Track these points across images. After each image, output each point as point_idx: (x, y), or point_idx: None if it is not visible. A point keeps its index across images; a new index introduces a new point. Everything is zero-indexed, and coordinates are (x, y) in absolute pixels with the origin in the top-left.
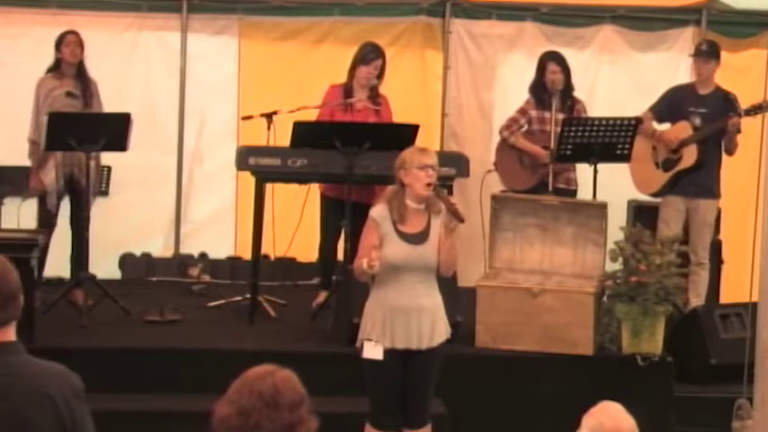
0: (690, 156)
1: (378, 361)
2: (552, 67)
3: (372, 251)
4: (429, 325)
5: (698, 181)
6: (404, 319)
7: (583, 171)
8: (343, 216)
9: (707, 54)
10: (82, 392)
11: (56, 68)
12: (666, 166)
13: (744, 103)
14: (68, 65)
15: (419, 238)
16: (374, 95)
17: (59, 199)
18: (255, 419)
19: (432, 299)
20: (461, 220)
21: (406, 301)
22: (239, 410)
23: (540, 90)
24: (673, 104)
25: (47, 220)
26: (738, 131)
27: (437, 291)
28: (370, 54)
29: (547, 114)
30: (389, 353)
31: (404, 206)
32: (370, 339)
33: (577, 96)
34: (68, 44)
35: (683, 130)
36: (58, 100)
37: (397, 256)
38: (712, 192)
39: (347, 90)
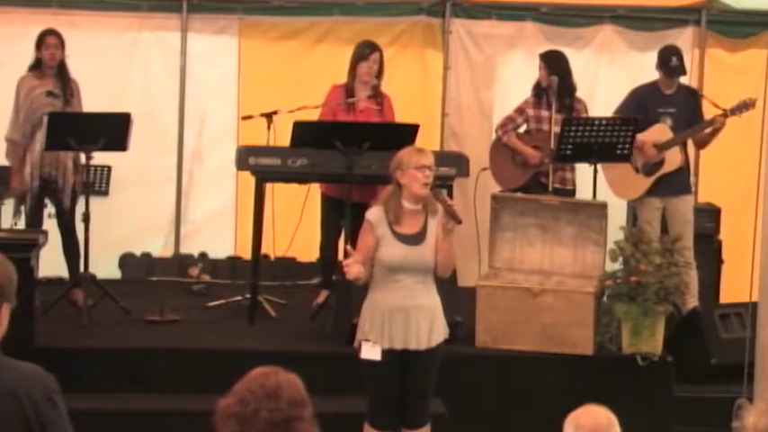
0: (674, 159)
1: (376, 361)
2: (539, 64)
3: (347, 259)
4: (427, 325)
5: (673, 180)
6: (402, 319)
7: (583, 171)
8: (343, 216)
9: (681, 70)
10: (56, 395)
11: (36, 67)
12: (648, 170)
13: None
14: (48, 66)
15: (416, 238)
16: (376, 95)
17: (37, 199)
18: (254, 407)
19: (430, 299)
20: (459, 222)
21: (404, 302)
22: (240, 399)
23: (539, 89)
24: (639, 106)
25: (28, 220)
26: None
27: (435, 291)
28: (367, 49)
29: (544, 113)
30: (388, 353)
31: (400, 207)
32: (368, 340)
33: (579, 97)
34: (48, 46)
35: (662, 133)
36: (38, 99)
37: (394, 258)
38: (687, 187)
39: (349, 90)
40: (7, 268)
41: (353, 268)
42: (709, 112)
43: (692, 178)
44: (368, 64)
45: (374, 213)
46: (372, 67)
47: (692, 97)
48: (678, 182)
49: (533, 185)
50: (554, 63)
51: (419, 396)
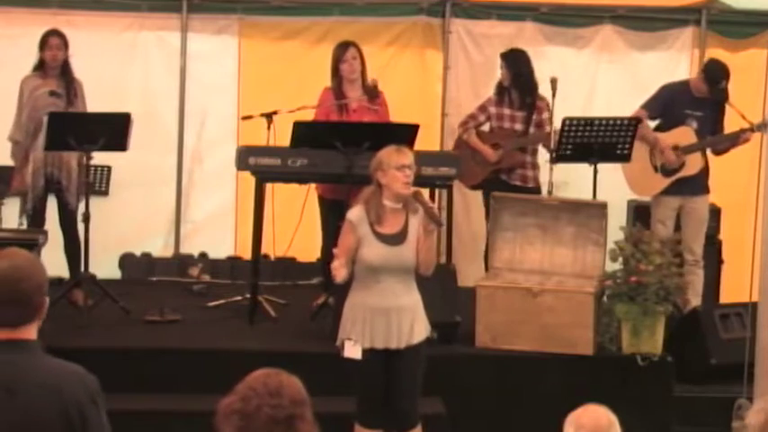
0: (695, 164)
1: (359, 360)
2: (500, 63)
3: (335, 260)
4: (408, 324)
5: (693, 180)
6: (383, 319)
7: (583, 171)
8: (342, 217)
9: (726, 95)
10: (97, 395)
11: (40, 68)
12: (667, 171)
13: (738, 105)
14: (51, 66)
15: (397, 238)
16: (372, 94)
17: (40, 199)
18: (256, 403)
19: (411, 298)
20: (439, 224)
21: (385, 302)
22: (242, 397)
23: (501, 87)
24: (667, 104)
25: (30, 220)
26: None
27: (416, 290)
28: (340, 49)
29: (506, 111)
30: (370, 352)
31: (381, 207)
32: (350, 339)
33: (542, 94)
34: (50, 47)
35: (686, 136)
36: (40, 99)
37: (376, 258)
38: (705, 187)
39: (336, 92)
40: (41, 268)
41: (342, 272)
42: (733, 119)
43: None
44: (347, 63)
45: (355, 213)
46: (352, 63)
47: (719, 104)
48: (698, 182)
49: (493, 182)
50: (513, 62)
51: (405, 396)
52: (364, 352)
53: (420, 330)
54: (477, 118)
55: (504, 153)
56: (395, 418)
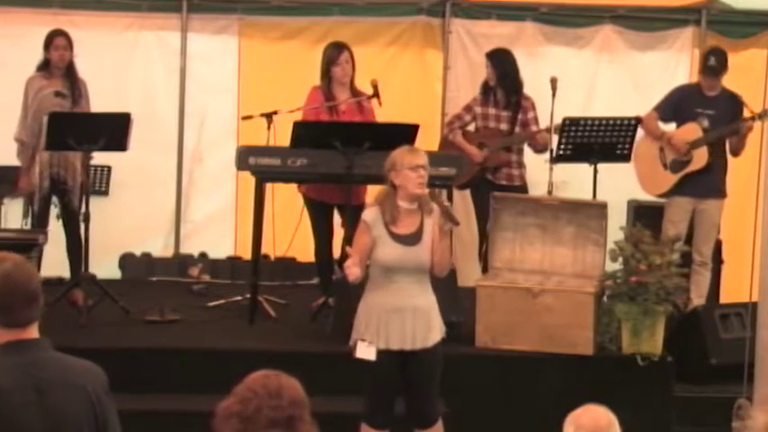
0: (700, 158)
1: (371, 361)
2: (486, 62)
3: (348, 260)
4: (424, 325)
5: (706, 182)
6: (398, 319)
7: (582, 171)
8: (328, 217)
9: (717, 71)
10: (108, 387)
11: (45, 68)
12: (675, 167)
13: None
14: (57, 67)
15: (412, 239)
16: (356, 94)
17: (45, 199)
18: (256, 405)
19: (426, 299)
20: (456, 223)
21: (400, 302)
22: (241, 399)
23: (486, 87)
24: (679, 105)
25: (35, 221)
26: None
27: (431, 291)
28: (335, 52)
29: (491, 111)
30: (384, 353)
31: (396, 207)
32: (363, 340)
33: (526, 94)
34: (57, 48)
35: (693, 131)
36: (46, 99)
37: (391, 258)
38: (720, 191)
39: (326, 93)
40: (33, 273)
41: (354, 270)
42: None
43: None
44: (340, 66)
45: (370, 214)
46: (345, 67)
47: (734, 103)
48: (709, 183)
49: (480, 182)
50: (498, 61)
51: (423, 396)
52: (379, 353)
53: (435, 332)
54: (462, 118)
55: (490, 152)
56: (415, 417)
